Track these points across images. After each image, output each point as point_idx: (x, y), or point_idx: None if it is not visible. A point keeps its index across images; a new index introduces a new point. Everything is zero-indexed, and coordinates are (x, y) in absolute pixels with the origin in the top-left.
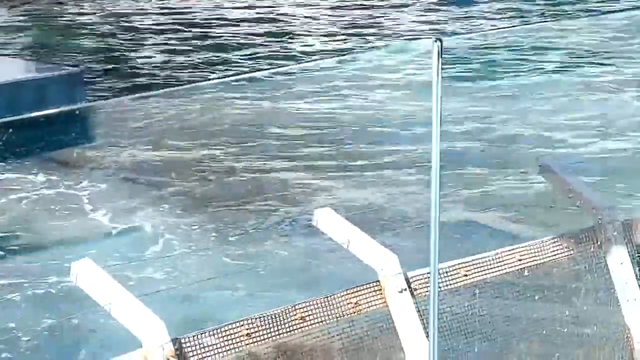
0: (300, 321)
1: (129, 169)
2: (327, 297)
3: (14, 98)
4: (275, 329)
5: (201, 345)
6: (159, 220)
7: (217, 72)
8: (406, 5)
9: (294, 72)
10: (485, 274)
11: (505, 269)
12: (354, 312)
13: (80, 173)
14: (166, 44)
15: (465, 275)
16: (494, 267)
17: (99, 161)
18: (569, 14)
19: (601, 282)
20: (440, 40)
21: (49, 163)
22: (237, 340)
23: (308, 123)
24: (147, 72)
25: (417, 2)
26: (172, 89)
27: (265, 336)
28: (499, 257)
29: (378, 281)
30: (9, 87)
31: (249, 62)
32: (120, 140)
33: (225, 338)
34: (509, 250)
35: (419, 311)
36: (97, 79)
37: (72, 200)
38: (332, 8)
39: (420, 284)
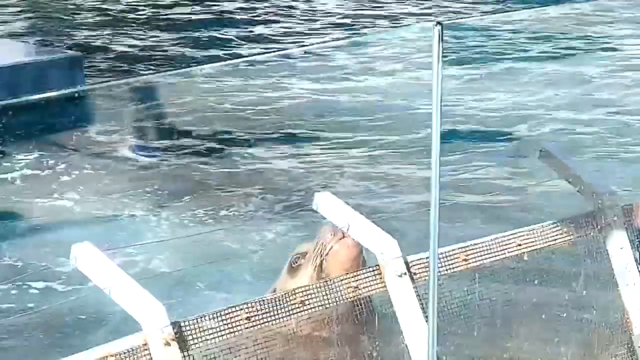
0: (300, 305)
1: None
2: (327, 281)
3: (14, 81)
4: (276, 312)
5: (201, 329)
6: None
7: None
8: None
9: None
10: (485, 259)
11: (504, 253)
12: (354, 296)
13: (67, 155)
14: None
15: (465, 260)
16: (494, 252)
17: (90, 144)
18: None
19: (601, 266)
20: (441, 24)
21: (44, 145)
22: (237, 324)
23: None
24: None
25: None
26: (173, 71)
27: (265, 320)
28: (498, 242)
29: (378, 265)
30: (9, 70)
31: None
32: (118, 124)
33: (225, 322)
34: (508, 235)
35: (418, 295)
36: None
37: (47, 182)
38: None
39: (419, 268)
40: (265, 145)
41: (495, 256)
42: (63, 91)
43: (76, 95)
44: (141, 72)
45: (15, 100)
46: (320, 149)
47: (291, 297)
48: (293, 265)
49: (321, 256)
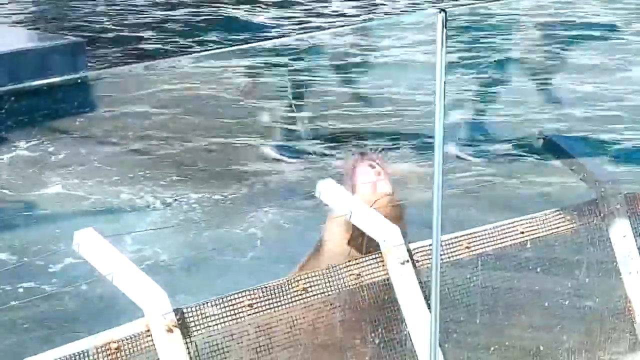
0: (303, 292)
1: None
2: (329, 269)
3: (16, 67)
4: (278, 299)
5: (203, 315)
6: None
7: None
8: None
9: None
10: (488, 246)
11: (507, 241)
12: (356, 284)
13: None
14: None
15: (467, 248)
16: (496, 240)
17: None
18: None
19: (603, 254)
20: (445, 12)
21: (44, 130)
22: (239, 310)
23: None
24: None
25: None
26: (178, 57)
27: (267, 307)
28: (501, 230)
29: (380, 252)
30: (12, 56)
31: None
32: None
33: (227, 308)
34: (511, 223)
35: (420, 283)
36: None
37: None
38: None
39: (422, 255)
40: None
41: (498, 244)
42: (66, 77)
43: (79, 81)
44: None
45: (17, 86)
46: None
47: (293, 284)
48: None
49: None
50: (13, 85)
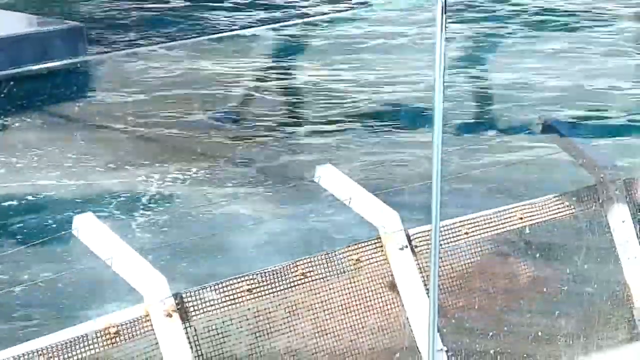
0: (302, 277)
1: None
2: (328, 254)
3: (16, 52)
4: (277, 284)
5: (202, 300)
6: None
7: None
8: None
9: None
10: (487, 232)
11: (506, 227)
12: (355, 269)
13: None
14: None
15: (467, 234)
16: (496, 225)
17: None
18: None
19: (602, 240)
20: None
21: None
22: (238, 295)
23: None
24: None
25: None
26: (175, 42)
27: (266, 292)
28: (500, 215)
29: (379, 238)
30: (11, 41)
31: None
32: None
33: (226, 293)
34: (510, 209)
35: (419, 268)
36: None
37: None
38: None
39: (421, 241)
40: None
41: (497, 229)
42: (65, 61)
43: (78, 65)
44: None
45: (17, 70)
46: None
47: (292, 269)
48: None
49: None
50: (13, 70)
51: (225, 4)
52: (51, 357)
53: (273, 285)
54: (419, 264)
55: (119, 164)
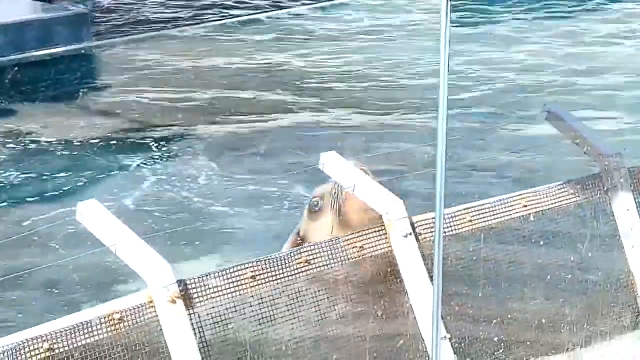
0: (306, 264)
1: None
2: (332, 241)
3: (20, 38)
4: (281, 271)
5: (206, 287)
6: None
7: None
8: None
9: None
10: (491, 220)
11: (511, 214)
12: (359, 256)
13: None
14: None
15: (471, 221)
16: (500, 213)
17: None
18: None
19: (607, 228)
20: None
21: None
22: (242, 282)
23: None
24: None
25: None
26: (180, 28)
27: (271, 279)
28: (504, 203)
29: (383, 225)
30: (16, 27)
31: None
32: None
33: (230, 280)
34: (515, 196)
35: (423, 256)
36: None
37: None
38: None
39: (425, 228)
40: None
41: (502, 217)
42: (69, 47)
43: (83, 52)
44: None
45: (21, 56)
46: None
47: (296, 257)
48: (313, 210)
49: (339, 201)
50: (17, 56)
51: None
52: (55, 343)
53: (277, 273)
54: (422, 252)
55: None
